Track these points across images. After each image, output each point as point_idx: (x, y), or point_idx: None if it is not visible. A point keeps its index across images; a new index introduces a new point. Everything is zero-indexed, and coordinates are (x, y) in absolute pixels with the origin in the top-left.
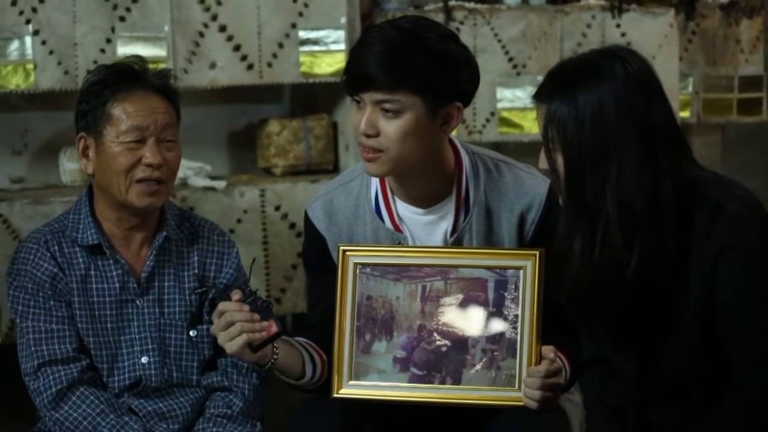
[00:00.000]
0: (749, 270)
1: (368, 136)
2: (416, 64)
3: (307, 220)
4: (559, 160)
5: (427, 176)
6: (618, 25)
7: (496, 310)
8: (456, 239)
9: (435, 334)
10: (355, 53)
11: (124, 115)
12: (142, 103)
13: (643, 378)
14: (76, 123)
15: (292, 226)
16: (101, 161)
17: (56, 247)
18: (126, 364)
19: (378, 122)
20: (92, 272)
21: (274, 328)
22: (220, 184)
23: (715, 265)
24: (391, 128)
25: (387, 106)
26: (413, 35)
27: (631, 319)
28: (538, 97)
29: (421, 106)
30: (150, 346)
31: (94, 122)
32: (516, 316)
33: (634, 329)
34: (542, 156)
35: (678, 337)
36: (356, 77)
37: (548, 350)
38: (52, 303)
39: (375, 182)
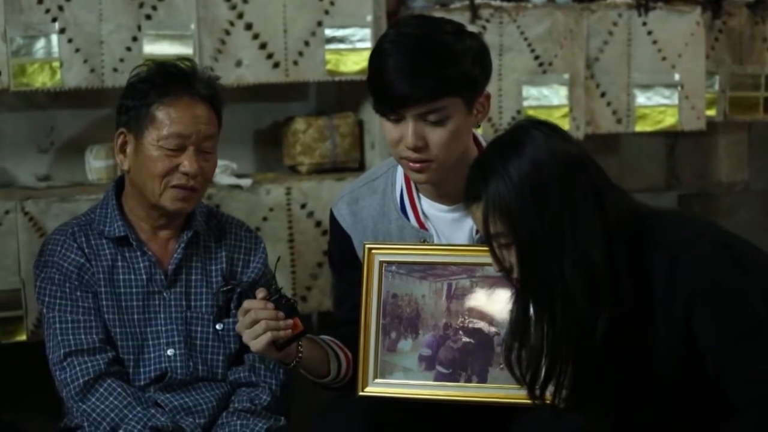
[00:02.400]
0: (722, 311)
1: (418, 149)
2: (450, 67)
3: (332, 218)
4: (509, 254)
5: (454, 174)
6: (644, 23)
7: None
8: (481, 237)
9: (460, 333)
10: (379, 73)
11: (168, 120)
12: (187, 111)
13: None
14: (117, 117)
15: (318, 224)
16: (138, 161)
17: (83, 239)
18: (152, 356)
19: (424, 133)
20: (119, 263)
21: (299, 327)
22: (246, 182)
23: (687, 314)
24: (438, 136)
25: (432, 117)
26: (431, 39)
27: (604, 385)
28: (470, 197)
29: (461, 105)
30: (176, 339)
31: (137, 121)
32: None
33: (608, 394)
34: (493, 261)
35: (655, 393)
36: (393, 97)
37: None
38: (78, 293)
39: (400, 180)
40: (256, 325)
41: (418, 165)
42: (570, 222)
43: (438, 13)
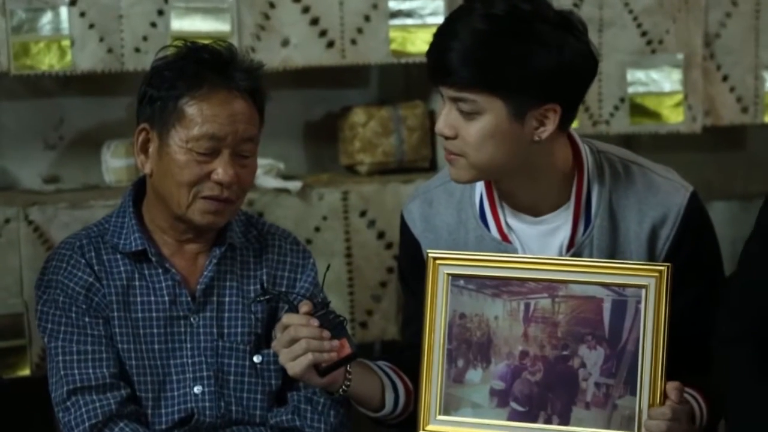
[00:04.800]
0: None
1: (446, 138)
2: (496, 63)
3: (402, 222)
4: None
5: (533, 182)
6: None
7: (613, 337)
8: (573, 255)
9: (539, 363)
10: (437, 37)
11: (200, 117)
12: (224, 108)
13: None
14: (139, 108)
15: (381, 235)
16: (162, 165)
17: (92, 254)
18: (175, 394)
19: (456, 122)
20: (136, 283)
21: (347, 349)
22: (295, 186)
23: None
24: (467, 131)
25: (462, 105)
26: (503, 26)
27: None
28: None
29: (502, 108)
30: (205, 374)
31: (162, 116)
32: (636, 344)
33: None
34: None
35: None
36: (432, 66)
37: (673, 387)
38: (87, 319)
39: (480, 183)
40: (296, 344)
41: (450, 156)
42: None
43: None
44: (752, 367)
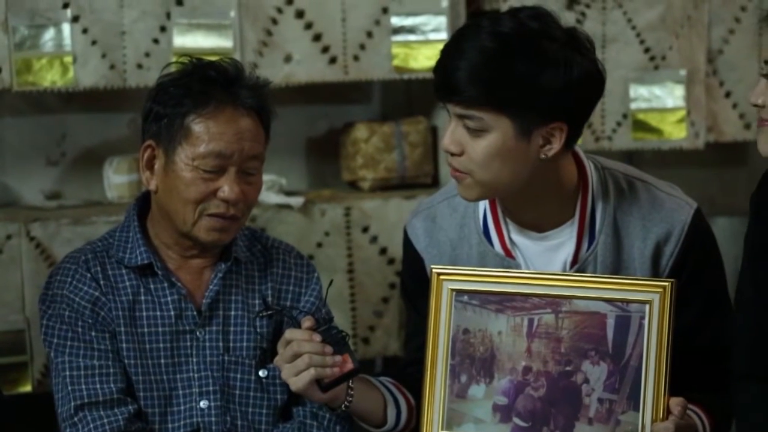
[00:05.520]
0: None
1: (452, 155)
2: (503, 82)
3: (405, 237)
4: None
5: (538, 199)
6: None
7: (616, 352)
8: (577, 272)
9: (543, 379)
10: (444, 54)
11: (207, 135)
12: (230, 126)
13: None
14: (144, 124)
15: (383, 251)
16: (168, 182)
17: (98, 268)
18: (181, 408)
19: (462, 139)
20: (142, 297)
21: (350, 365)
22: (297, 201)
23: None
24: (473, 148)
25: (468, 123)
26: (511, 45)
27: None
28: None
29: (508, 126)
30: (211, 388)
31: (168, 133)
32: (640, 360)
33: None
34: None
35: None
36: (439, 84)
37: (676, 403)
38: (93, 334)
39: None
40: (298, 359)
41: (457, 174)
42: None
43: None
44: (760, 404)
